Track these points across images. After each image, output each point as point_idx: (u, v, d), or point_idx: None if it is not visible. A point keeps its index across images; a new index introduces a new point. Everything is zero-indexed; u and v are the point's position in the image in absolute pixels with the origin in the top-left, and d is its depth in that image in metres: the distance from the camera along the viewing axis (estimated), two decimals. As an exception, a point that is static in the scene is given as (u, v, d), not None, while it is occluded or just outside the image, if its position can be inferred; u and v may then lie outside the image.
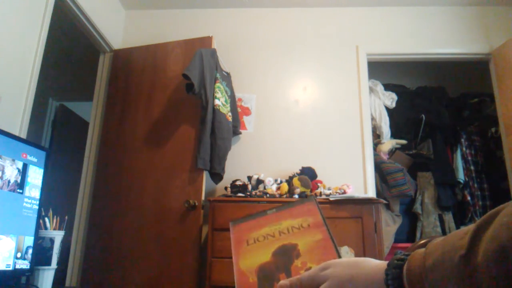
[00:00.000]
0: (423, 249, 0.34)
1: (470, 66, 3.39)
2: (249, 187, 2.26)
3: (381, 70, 3.32)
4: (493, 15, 2.90)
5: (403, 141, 3.09)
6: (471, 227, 0.31)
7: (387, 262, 0.36)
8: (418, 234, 2.78)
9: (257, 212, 0.54)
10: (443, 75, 3.68)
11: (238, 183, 2.27)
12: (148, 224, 2.29)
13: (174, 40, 2.63)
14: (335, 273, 0.38)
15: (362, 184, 2.58)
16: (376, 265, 0.37)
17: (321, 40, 2.90)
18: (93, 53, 2.92)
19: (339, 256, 0.44)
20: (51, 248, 1.46)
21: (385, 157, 2.89)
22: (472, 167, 2.98)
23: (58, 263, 1.50)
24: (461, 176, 2.94)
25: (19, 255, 1.30)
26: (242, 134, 2.70)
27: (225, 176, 2.41)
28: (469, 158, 3.02)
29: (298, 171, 2.39)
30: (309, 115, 2.74)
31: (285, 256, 0.45)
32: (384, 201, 2.53)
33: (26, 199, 1.35)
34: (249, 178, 2.37)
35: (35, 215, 1.40)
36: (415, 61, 3.14)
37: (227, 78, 2.61)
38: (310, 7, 2.98)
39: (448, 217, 2.83)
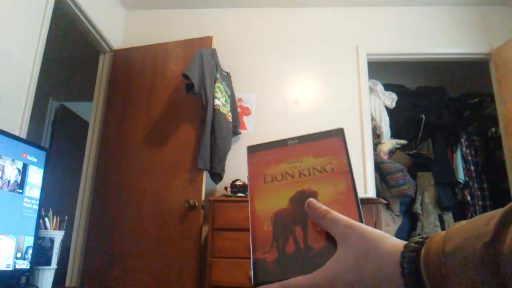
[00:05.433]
0: (443, 233, 0.33)
1: (470, 66, 3.39)
2: (249, 187, 2.26)
3: (381, 70, 3.32)
4: (493, 15, 2.90)
5: (403, 141, 3.09)
6: (496, 212, 0.30)
7: (404, 243, 0.35)
8: (418, 234, 2.78)
9: (277, 141, 0.48)
10: (443, 75, 3.68)
11: (238, 183, 2.27)
12: (148, 224, 2.29)
13: (174, 40, 2.63)
14: (355, 242, 0.36)
15: (362, 184, 2.58)
16: (393, 244, 0.35)
17: (321, 40, 2.90)
18: (93, 53, 2.92)
19: (360, 214, 0.41)
20: (51, 248, 1.46)
21: (385, 157, 2.89)
22: (472, 167, 2.98)
23: (58, 263, 1.49)
24: (461, 176, 2.94)
25: (19, 255, 1.30)
26: (242, 134, 2.70)
27: (225, 176, 2.41)
28: (469, 158, 3.02)
29: (298, 171, 2.38)
30: (309, 115, 2.74)
31: (303, 206, 0.42)
32: (384, 201, 2.53)
33: (26, 199, 1.35)
34: (249, 178, 2.37)
35: (35, 215, 1.40)
36: (415, 61, 3.14)
37: (227, 78, 2.61)
38: (310, 7, 2.98)
39: (448, 217, 2.83)
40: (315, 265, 0.38)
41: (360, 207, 0.42)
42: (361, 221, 0.40)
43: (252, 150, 0.49)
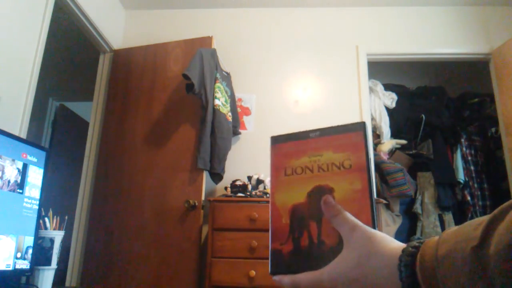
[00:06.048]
0: (437, 237, 0.34)
1: (470, 66, 3.39)
2: (249, 187, 2.26)
3: (381, 70, 3.32)
4: (493, 15, 2.90)
5: (403, 141, 3.09)
6: (485, 218, 0.31)
7: (403, 247, 0.36)
8: (418, 234, 2.78)
9: (299, 132, 0.49)
10: (443, 75, 3.68)
11: (238, 183, 2.27)
12: (148, 224, 2.29)
13: (174, 40, 2.63)
14: (358, 243, 0.38)
15: (362, 184, 2.58)
16: (393, 248, 0.36)
17: (321, 40, 2.90)
18: (93, 53, 2.92)
19: (373, 213, 0.41)
20: (51, 248, 1.46)
21: (385, 157, 2.89)
22: (472, 167, 2.98)
23: (58, 263, 1.50)
24: (461, 176, 2.93)
25: (19, 255, 1.30)
26: (242, 134, 2.70)
27: (225, 176, 2.41)
28: (469, 158, 3.02)
29: (298, 171, 2.38)
30: (309, 115, 2.74)
31: (320, 201, 0.43)
32: (384, 201, 2.53)
33: (26, 199, 1.35)
34: (249, 178, 2.37)
35: (35, 215, 1.40)
36: (415, 61, 3.14)
37: (227, 78, 2.61)
38: (310, 7, 2.98)
39: (448, 217, 2.83)
40: (326, 261, 0.39)
41: (374, 206, 0.42)
42: (373, 220, 0.41)
43: (276, 141, 0.51)
